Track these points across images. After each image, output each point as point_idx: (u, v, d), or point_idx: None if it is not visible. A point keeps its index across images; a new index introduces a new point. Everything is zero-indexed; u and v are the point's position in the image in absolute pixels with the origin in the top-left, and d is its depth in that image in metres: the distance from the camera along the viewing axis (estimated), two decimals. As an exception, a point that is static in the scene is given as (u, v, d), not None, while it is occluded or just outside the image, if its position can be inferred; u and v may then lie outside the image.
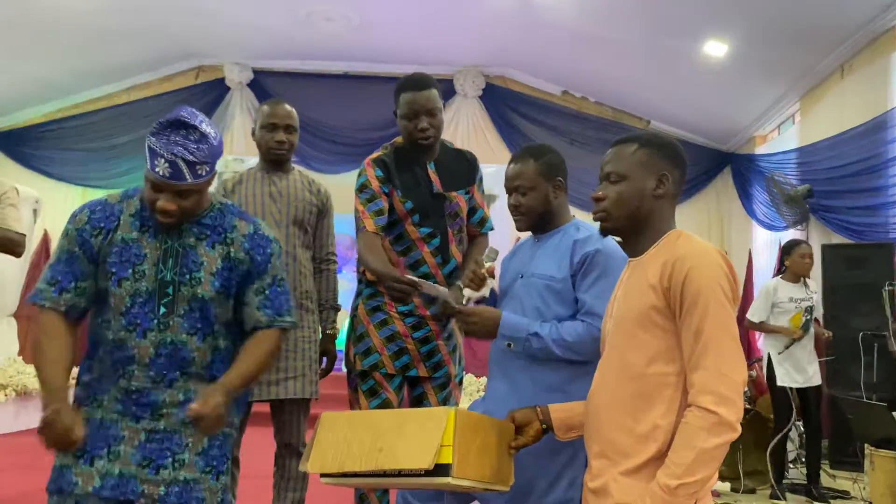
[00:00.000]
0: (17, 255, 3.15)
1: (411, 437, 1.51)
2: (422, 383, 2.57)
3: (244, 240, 1.83)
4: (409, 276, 2.33)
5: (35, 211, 6.06)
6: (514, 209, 2.08)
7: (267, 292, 1.84)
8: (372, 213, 2.47)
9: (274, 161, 2.80)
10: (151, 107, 8.59)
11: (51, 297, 1.76)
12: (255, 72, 8.79)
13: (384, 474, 1.52)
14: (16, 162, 8.66)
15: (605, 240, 1.91)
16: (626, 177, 1.56)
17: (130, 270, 1.75)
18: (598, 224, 1.64)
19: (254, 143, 2.87)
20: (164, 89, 8.75)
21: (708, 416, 1.35)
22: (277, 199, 2.75)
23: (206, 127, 1.69)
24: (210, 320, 1.80)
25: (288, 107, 2.82)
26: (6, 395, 5.96)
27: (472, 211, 2.64)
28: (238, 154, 8.52)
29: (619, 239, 1.63)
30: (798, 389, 4.57)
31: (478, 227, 2.66)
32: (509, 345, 1.97)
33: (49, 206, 7.64)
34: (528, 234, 2.19)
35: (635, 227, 1.57)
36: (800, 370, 4.55)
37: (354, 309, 2.62)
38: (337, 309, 2.89)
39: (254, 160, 2.90)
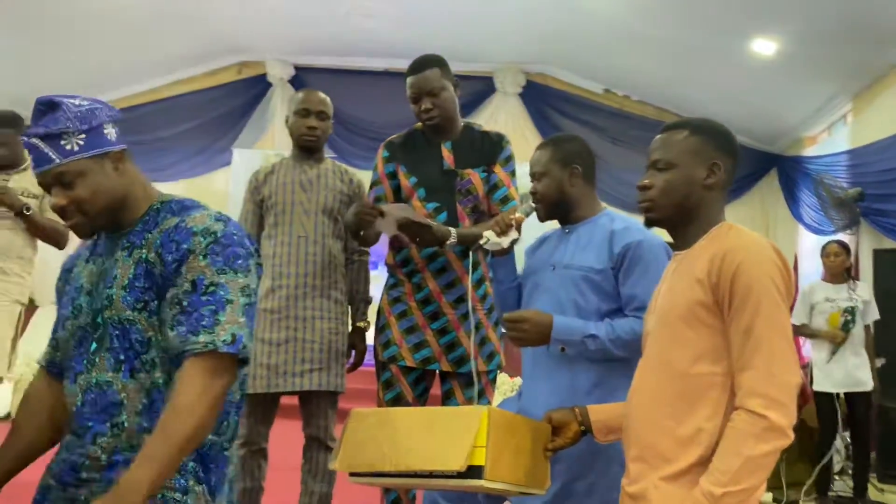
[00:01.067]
0: (61, 247, 3.29)
1: (443, 437, 1.45)
2: (449, 379, 2.52)
3: (159, 236, 1.38)
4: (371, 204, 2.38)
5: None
6: (532, 196, 2.04)
7: (183, 302, 1.30)
8: (373, 199, 2.55)
9: (305, 148, 2.77)
10: (195, 101, 8.69)
11: (43, 353, 1.55)
12: (297, 68, 8.83)
13: (414, 475, 1.46)
14: (62, 155, 8.83)
15: (643, 229, 1.83)
16: (675, 165, 1.48)
17: (70, 307, 1.45)
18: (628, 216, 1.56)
19: None
20: (207, 84, 8.83)
21: (757, 420, 1.26)
22: (307, 188, 2.73)
23: (61, 98, 1.38)
24: (136, 349, 1.36)
25: (322, 95, 2.80)
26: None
27: (494, 188, 2.54)
28: (279, 150, 8.57)
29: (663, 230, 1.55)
30: (845, 396, 4.41)
31: (500, 205, 2.53)
32: (563, 349, 1.87)
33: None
34: (555, 228, 2.12)
35: (683, 219, 1.48)
36: (846, 375, 4.38)
37: (380, 299, 2.61)
38: (368, 302, 2.84)
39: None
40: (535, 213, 2.06)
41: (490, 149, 2.55)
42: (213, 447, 1.40)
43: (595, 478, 1.85)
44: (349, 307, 2.81)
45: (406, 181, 2.52)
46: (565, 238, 2.03)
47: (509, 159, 2.58)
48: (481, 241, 2.00)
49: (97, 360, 1.37)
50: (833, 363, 4.39)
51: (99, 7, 6.99)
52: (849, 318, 4.39)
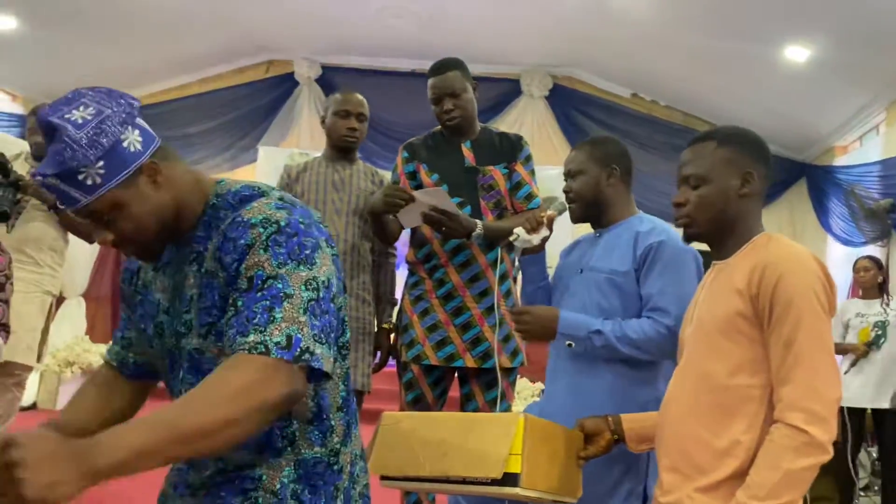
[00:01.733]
0: (92, 241, 3.29)
1: (478, 444, 1.43)
2: (469, 382, 2.51)
3: (217, 238, 1.18)
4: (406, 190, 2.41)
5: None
6: (566, 195, 2.03)
7: (238, 303, 1.11)
8: None
9: (343, 149, 2.79)
10: (222, 98, 8.76)
11: (109, 350, 1.44)
12: (324, 68, 8.87)
13: (448, 480, 1.45)
14: (91, 150, 8.94)
15: (669, 230, 1.81)
16: (708, 179, 1.45)
17: (152, 324, 1.30)
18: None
19: (319, 139, 2.88)
20: (235, 82, 8.90)
21: (797, 434, 1.24)
22: (340, 188, 2.74)
23: (59, 121, 1.10)
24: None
25: (360, 96, 2.83)
26: (73, 373, 6.14)
27: (518, 186, 2.57)
28: (304, 149, 8.61)
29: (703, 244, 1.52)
30: (873, 412, 4.33)
31: (524, 203, 2.56)
32: (570, 344, 1.86)
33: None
34: (587, 231, 2.10)
35: (722, 231, 1.46)
36: (872, 390, 4.30)
37: (401, 299, 2.62)
38: (394, 303, 2.86)
39: (319, 155, 2.91)
40: (566, 213, 2.04)
41: (510, 148, 2.59)
42: (318, 464, 1.22)
43: (614, 484, 1.82)
44: (376, 308, 2.81)
45: (428, 178, 2.55)
46: (596, 242, 2.01)
47: (529, 159, 2.62)
48: (511, 238, 1.99)
49: (191, 383, 1.22)
50: (852, 375, 4.32)
51: (130, 4, 7.07)
52: (879, 332, 4.32)
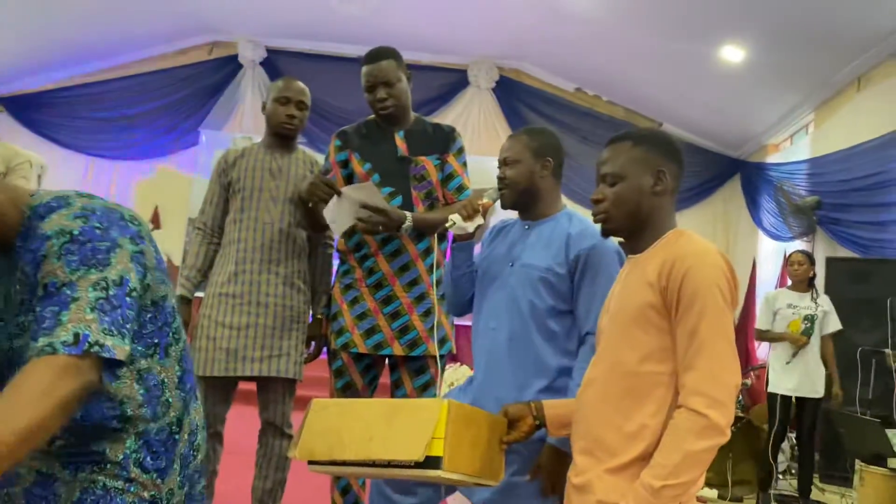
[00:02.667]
0: None
1: (403, 428, 1.48)
2: (398, 368, 2.56)
3: (26, 249, 1.26)
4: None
5: (39, 177, 6.08)
6: (500, 181, 2.05)
7: (36, 309, 1.19)
8: None
9: (282, 135, 2.77)
10: (163, 80, 8.57)
11: None
12: (269, 51, 8.75)
13: (373, 464, 1.49)
14: (24, 127, 8.64)
15: (596, 232, 1.88)
16: (623, 176, 1.53)
17: None
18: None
19: (262, 123, 2.85)
20: (178, 63, 8.71)
21: (697, 418, 1.33)
22: (277, 176, 2.73)
23: None
24: None
25: (301, 84, 2.81)
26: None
27: (449, 177, 2.61)
28: (247, 132, 8.50)
29: (620, 238, 1.60)
30: (797, 399, 4.56)
31: (455, 194, 2.60)
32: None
33: (54, 174, 7.63)
34: (513, 219, 2.15)
35: (636, 226, 1.54)
36: (802, 380, 4.54)
37: (332, 287, 2.65)
38: (329, 293, 2.85)
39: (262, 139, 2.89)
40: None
41: (442, 139, 2.62)
42: (159, 432, 1.36)
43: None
44: (311, 297, 2.82)
45: (360, 167, 2.56)
46: (525, 234, 2.06)
47: (461, 151, 2.67)
48: (447, 224, 2.04)
49: None
50: (792, 366, 4.54)
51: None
52: (808, 325, 4.56)
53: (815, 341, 4.56)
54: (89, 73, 8.64)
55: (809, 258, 4.76)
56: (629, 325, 1.46)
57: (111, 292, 1.20)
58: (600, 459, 1.44)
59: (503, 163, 2.05)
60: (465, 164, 2.66)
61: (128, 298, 1.23)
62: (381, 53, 2.55)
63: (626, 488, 1.37)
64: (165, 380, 1.36)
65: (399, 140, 2.59)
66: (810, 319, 4.56)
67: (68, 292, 1.17)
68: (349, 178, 2.61)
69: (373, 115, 2.64)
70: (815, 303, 4.61)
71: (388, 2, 7.51)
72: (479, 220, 2.03)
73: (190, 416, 1.42)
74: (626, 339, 1.46)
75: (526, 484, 1.86)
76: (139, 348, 1.31)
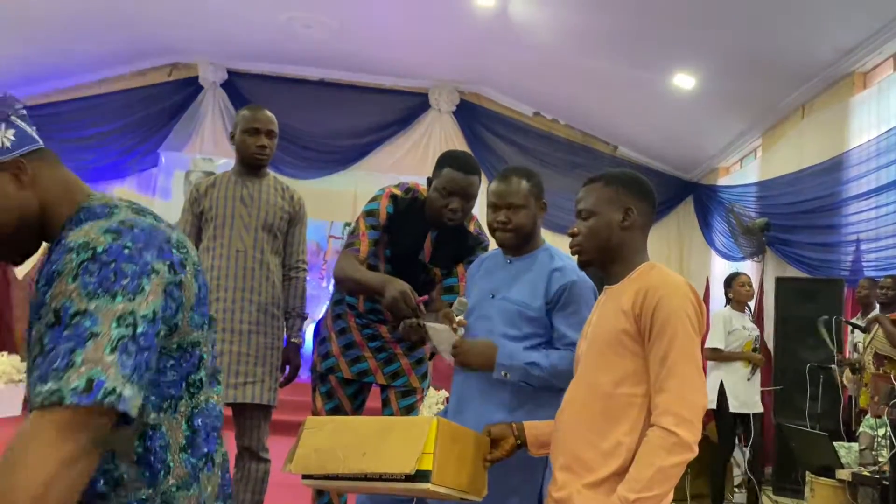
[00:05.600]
0: None
1: (394, 444, 1.57)
2: (386, 389, 2.64)
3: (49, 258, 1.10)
4: (419, 308, 2.25)
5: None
6: (503, 225, 2.07)
7: (44, 340, 1.00)
8: (370, 240, 2.46)
9: (253, 166, 2.82)
10: (122, 101, 8.49)
11: None
12: (230, 73, 8.75)
13: (365, 478, 1.57)
14: (-23, 147, 8.47)
15: (575, 267, 1.98)
16: (595, 213, 1.67)
17: None
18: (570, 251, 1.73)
19: (223, 144, 2.93)
20: (136, 84, 8.65)
21: (668, 436, 1.45)
22: (248, 204, 2.78)
23: None
24: None
25: (269, 113, 2.85)
26: None
27: (450, 290, 2.57)
28: (207, 154, 8.47)
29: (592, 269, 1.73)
30: (742, 415, 4.77)
31: (446, 305, 2.50)
32: (505, 375, 1.98)
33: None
34: (494, 250, 2.23)
35: (608, 258, 1.67)
36: (751, 397, 4.76)
37: (325, 311, 2.69)
38: (303, 318, 2.89)
39: (223, 161, 2.94)
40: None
41: (464, 253, 2.55)
42: (175, 497, 1.12)
43: (518, 486, 1.99)
44: (285, 322, 2.85)
45: (382, 250, 2.53)
46: (507, 268, 2.15)
47: (472, 261, 2.51)
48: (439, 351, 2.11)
49: None
50: (751, 384, 4.76)
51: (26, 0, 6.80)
52: (756, 344, 4.88)
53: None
54: (45, 93, 8.53)
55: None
56: (605, 350, 1.57)
57: (139, 330, 1.01)
58: (579, 475, 1.54)
59: (508, 207, 2.06)
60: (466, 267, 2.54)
61: (156, 339, 1.04)
62: (475, 168, 2.41)
63: (604, 501, 1.48)
64: (171, 440, 1.12)
65: (427, 244, 2.52)
66: (756, 339, 4.88)
67: (87, 324, 0.98)
68: (376, 241, 2.51)
69: (423, 190, 2.50)
70: (753, 323, 4.88)
71: (350, 25, 7.61)
72: (461, 332, 2.07)
73: (198, 486, 1.15)
74: (602, 363, 1.57)
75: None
76: (152, 399, 1.08)
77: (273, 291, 2.77)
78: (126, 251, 1.04)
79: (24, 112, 1.19)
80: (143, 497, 1.09)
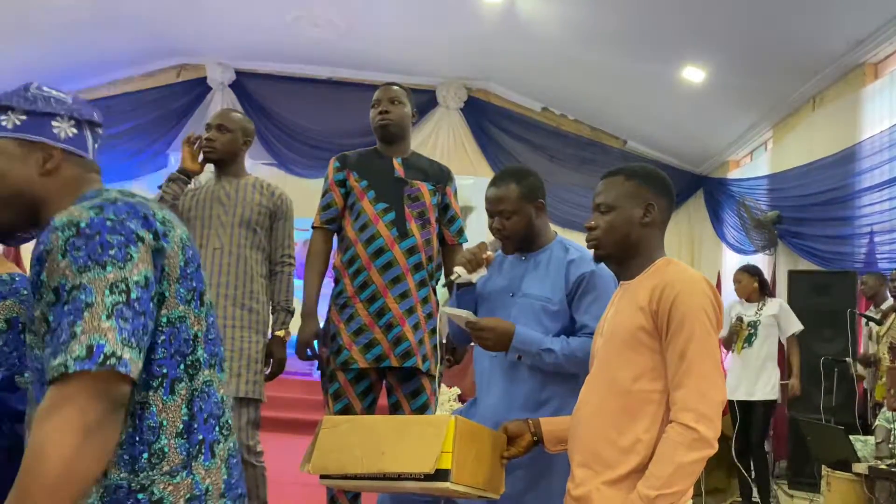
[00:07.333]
0: None
1: (413, 443, 1.57)
2: (395, 391, 2.62)
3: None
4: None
5: None
6: (498, 232, 2.10)
7: (49, 318, 1.04)
8: (321, 207, 2.73)
9: (212, 161, 2.86)
10: (131, 103, 8.53)
11: None
12: (238, 73, 8.77)
13: (384, 477, 1.57)
14: (-12, 151, 8.52)
15: (591, 257, 1.97)
16: (615, 207, 1.65)
17: None
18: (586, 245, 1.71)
19: None
20: (145, 86, 8.68)
21: (687, 432, 1.43)
22: (225, 202, 2.82)
23: (38, 84, 1.26)
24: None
25: (229, 110, 2.91)
26: None
27: (451, 220, 2.78)
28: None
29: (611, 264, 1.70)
30: (742, 402, 4.74)
31: (456, 237, 2.78)
32: (519, 357, 1.99)
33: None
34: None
35: (626, 254, 1.65)
36: (749, 384, 4.73)
37: (328, 310, 2.70)
38: (290, 311, 2.88)
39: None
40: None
41: (438, 172, 2.78)
42: (118, 489, 1.07)
43: (543, 489, 1.97)
44: (271, 316, 2.85)
45: (357, 184, 2.67)
46: (522, 264, 2.14)
47: (456, 192, 2.83)
48: (452, 277, 2.09)
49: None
50: (742, 369, 4.76)
51: (35, 4, 6.82)
52: (751, 331, 4.83)
53: (757, 345, 4.80)
54: (55, 96, 8.55)
55: (748, 272, 5.01)
56: (622, 346, 1.56)
57: (133, 295, 1.04)
58: (598, 472, 1.53)
59: (500, 214, 2.08)
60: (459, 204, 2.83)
61: (151, 304, 1.07)
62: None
63: (623, 499, 1.47)
64: (165, 422, 1.09)
65: (397, 164, 2.72)
66: (753, 326, 4.82)
67: (82, 297, 1.01)
68: (346, 196, 2.69)
69: (373, 147, 2.78)
70: (760, 311, 4.83)
71: (357, 23, 7.61)
72: (482, 273, 2.10)
73: (189, 476, 1.10)
74: (619, 360, 1.56)
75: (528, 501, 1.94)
76: (142, 375, 1.07)
77: (251, 286, 2.78)
78: (109, 223, 1.07)
79: (100, 132, 1.29)
80: (122, 480, 1.07)
